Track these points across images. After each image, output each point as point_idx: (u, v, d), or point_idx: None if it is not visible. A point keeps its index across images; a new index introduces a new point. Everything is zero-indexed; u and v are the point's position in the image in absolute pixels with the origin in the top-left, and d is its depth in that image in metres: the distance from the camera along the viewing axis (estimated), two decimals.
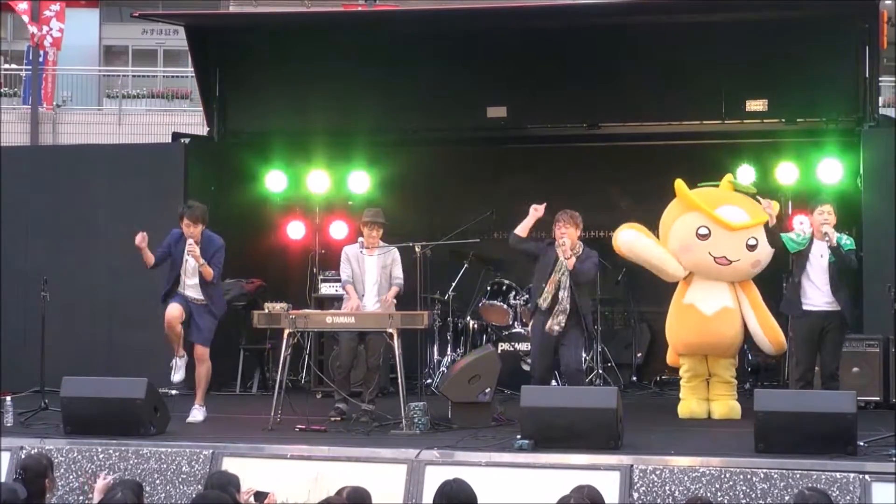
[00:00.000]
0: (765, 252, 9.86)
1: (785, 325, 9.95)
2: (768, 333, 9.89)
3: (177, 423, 9.37)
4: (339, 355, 10.09)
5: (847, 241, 9.40)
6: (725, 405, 9.95)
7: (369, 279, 10.01)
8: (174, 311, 9.70)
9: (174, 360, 9.90)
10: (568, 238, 9.67)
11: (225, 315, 10.20)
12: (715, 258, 9.88)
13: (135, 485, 6.60)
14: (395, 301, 9.95)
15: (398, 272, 10.05)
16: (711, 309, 9.89)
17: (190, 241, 9.66)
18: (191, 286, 9.75)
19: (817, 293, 9.33)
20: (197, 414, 9.76)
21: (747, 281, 10.00)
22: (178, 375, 9.96)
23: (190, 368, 9.97)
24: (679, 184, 10.08)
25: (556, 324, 9.61)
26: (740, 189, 10.16)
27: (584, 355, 10.25)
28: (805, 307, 9.38)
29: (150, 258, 9.72)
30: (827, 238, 9.23)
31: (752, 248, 9.84)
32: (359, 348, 9.95)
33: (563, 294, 9.60)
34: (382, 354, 10.05)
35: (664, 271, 10.09)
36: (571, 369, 9.74)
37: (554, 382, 11.30)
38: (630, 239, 10.04)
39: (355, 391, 10.15)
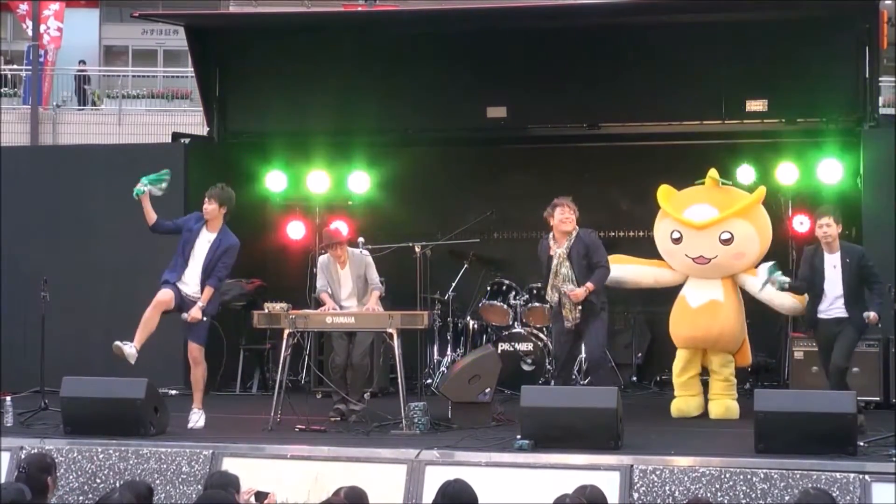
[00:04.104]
0: (747, 243, 9.88)
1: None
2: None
3: (177, 423, 9.36)
4: (333, 356, 10.07)
5: (773, 271, 9.31)
6: (722, 405, 9.95)
7: (344, 290, 10.00)
8: (165, 296, 9.45)
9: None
10: (570, 224, 9.69)
11: (216, 316, 9.99)
12: (693, 259, 9.97)
13: (143, 486, 6.55)
14: (379, 304, 9.93)
15: (373, 276, 10.01)
16: (698, 302, 9.99)
17: (189, 315, 9.41)
18: (192, 278, 9.55)
19: (834, 303, 9.23)
20: (199, 419, 9.52)
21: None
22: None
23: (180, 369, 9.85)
24: (661, 190, 10.22)
25: (572, 318, 9.61)
26: (724, 183, 10.22)
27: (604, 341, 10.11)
28: (819, 315, 9.29)
29: (152, 216, 9.54)
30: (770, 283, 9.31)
31: (726, 241, 9.87)
32: (350, 347, 9.95)
33: (564, 281, 9.60)
34: (371, 355, 10.07)
35: (662, 282, 10.31)
36: (594, 358, 9.80)
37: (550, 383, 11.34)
38: (614, 276, 10.00)
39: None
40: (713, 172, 10.16)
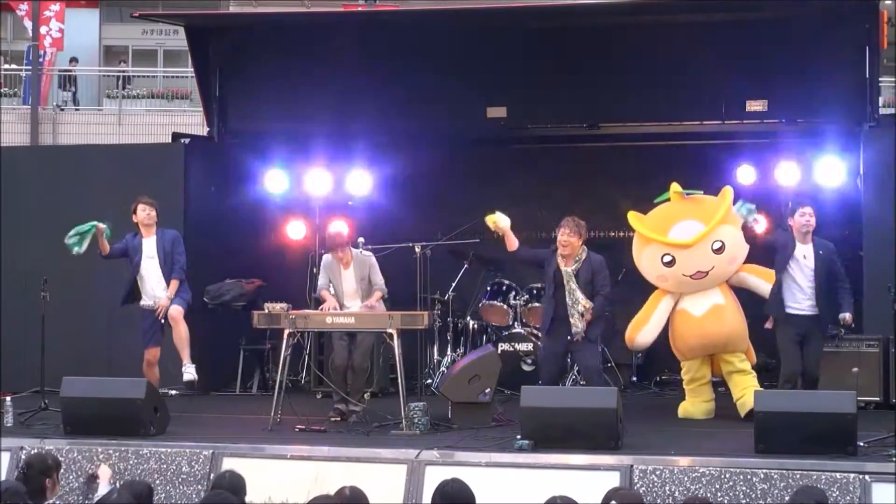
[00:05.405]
0: (737, 246, 9.85)
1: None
2: (761, 275, 9.81)
3: (177, 423, 9.37)
4: (333, 358, 10.07)
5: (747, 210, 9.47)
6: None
7: (347, 291, 10.01)
8: (153, 355, 9.93)
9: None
10: (570, 248, 9.55)
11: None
12: (690, 276, 9.88)
13: (143, 486, 6.56)
14: (381, 303, 9.94)
15: (378, 278, 10.02)
16: (701, 310, 9.91)
17: (158, 307, 9.83)
18: (156, 286, 9.95)
19: (801, 296, 9.41)
20: (193, 371, 9.86)
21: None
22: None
23: (180, 369, 10.03)
24: (631, 217, 10.11)
25: (581, 326, 9.50)
26: (689, 193, 10.12)
27: (600, 351, 10.10)
28: (788, 310, 9.45)
29: (106, 247, 10.01)
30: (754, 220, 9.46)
31: (718, 250, 9.81)
32: (351, 348, 9.94)
33: (573, 302, 9.49)
34: (371, 356, 10.08)
35: (672, 307, 10.09)
36: (591, 371, 9.65)
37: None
38: (641, 342, 10.13)
39: None
40: (676, 186, 10.06)
